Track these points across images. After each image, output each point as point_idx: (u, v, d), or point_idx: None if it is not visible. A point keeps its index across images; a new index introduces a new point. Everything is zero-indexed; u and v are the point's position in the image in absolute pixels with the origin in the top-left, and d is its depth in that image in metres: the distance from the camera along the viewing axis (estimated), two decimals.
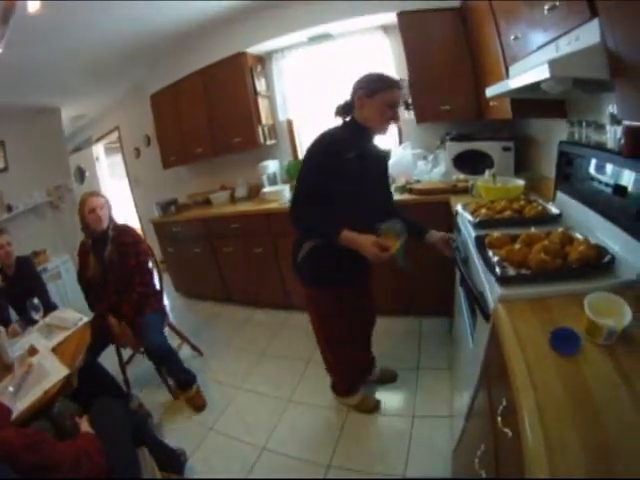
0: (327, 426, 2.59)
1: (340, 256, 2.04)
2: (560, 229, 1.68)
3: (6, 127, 4.96)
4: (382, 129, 2.11)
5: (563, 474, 0.77)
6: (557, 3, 1.48)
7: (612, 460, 0.78)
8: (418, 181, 3.39)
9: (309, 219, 2.02)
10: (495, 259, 1.59)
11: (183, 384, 3.05)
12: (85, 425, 1.83)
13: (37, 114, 5.21)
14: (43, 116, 5.32)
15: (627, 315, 1.08)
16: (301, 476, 2.25)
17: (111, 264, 2.98)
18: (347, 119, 2.13)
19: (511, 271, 1.50)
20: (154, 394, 3.20)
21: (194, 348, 3.63)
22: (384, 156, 2.31)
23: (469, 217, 2.20)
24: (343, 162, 1.97)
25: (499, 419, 1.11)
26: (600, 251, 1.47)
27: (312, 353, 2.58)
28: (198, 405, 3.02)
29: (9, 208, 4.92)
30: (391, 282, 3.16)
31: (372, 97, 2.01)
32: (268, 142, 4.45)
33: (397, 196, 3.22)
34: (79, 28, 3.28)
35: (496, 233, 1.81)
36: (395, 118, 2.07)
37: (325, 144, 2.00)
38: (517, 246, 1.63)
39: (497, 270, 1.50)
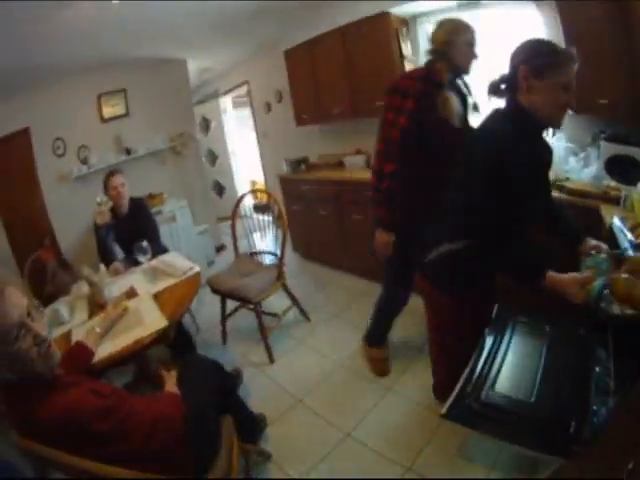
0: (420, 426, 2.48)
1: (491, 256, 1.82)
2: None
3: (129, 76, 5.23)
4: (558, 121, 1.73)
5: None
6: None
7: None
8: (567, 179, 3.12)
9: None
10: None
11: None
12: (171, 383, 1.80)
13: (162, 64, 5.44)
14: (168, 67, 5.56)
15: None
16: (376, 472, 2.22)
17: None
18: (509, 103, 1.74)
19: (615, 308, 1.39)
20: (249, 352, 3.27)
21: (302, 312, 3.66)
22: (551, 153, 1.94)
23: (629, 235, 1.93)
24: (523, 179, 1.68)
25: None
26: None
27: (426, 343, 2.45)
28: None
29: (127, 151, 5.22)
30: None
31: (542, 78, 1.62)
32: None
33: None
34: None
35: None
36: (572, 105, 1.70)
37: (507, 161, 1.61)
38: (624, 275, 1.43)
39: (602, 305, 1.41)
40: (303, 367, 3.10)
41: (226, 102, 7.51)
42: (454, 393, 1.95)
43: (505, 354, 2.23)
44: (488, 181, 1.65)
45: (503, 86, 1.76)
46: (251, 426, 2.33)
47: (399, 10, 4.03)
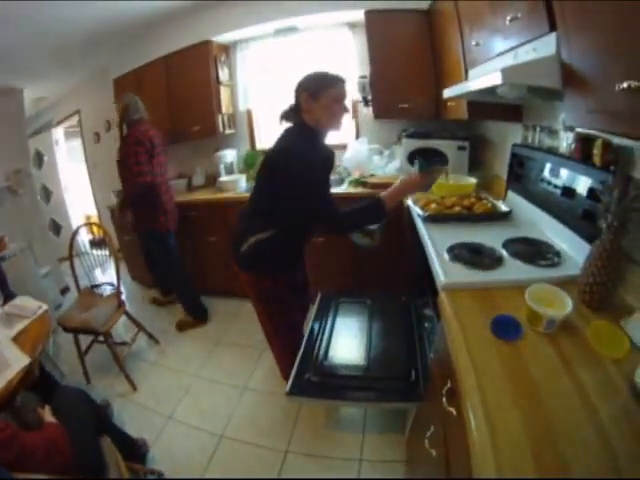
0: (283, 413, 2.62)
1: (282, 246, 2.13)
2: None
3: None
4: (335, 127, 2.08)
5: (505, 450, 0.82)
6: (519, 15, 1.53)
7: (551, 435, 0.85)
8: (372, 175, 3.43)
9: (349, 217, 2.07)
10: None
11: None
12: (48, 415, 1.79)
13: None
14: (4, 97, 4.93)
15: (568, 305, 1.17)
16: (260, 461, 2.31)
17: None
18: (297, 123, 2.07)
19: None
20: (112, 384, 3.14)
21: (150, 336, 3.59)
22: (333, 154, 2.24)
23: (419, 211, 2.29)
24: (320, 181, 2.02)
25: (444, 399, 1.18)
26: None
27: (266, 342, 2.59)
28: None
29: None
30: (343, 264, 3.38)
31: (318, 98, 1.97)
32: (227, 131, 4.37)
33: (351, 189, 3.29)
34: (45, 10, 3.12)
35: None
36: (346, 111, 2.04)
37: (310, 161, 1.95)
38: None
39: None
40: (164, 386, 3.05)
41: (59, 133, 6.84)
42: (293, 372, 2.17)
43: (333, 329, 2.48)
44: (292, 187, 1.94)
45: (293, 111, 2.07)
46: (134, 448, 2.33)
47: (220, 38, 4.10)
